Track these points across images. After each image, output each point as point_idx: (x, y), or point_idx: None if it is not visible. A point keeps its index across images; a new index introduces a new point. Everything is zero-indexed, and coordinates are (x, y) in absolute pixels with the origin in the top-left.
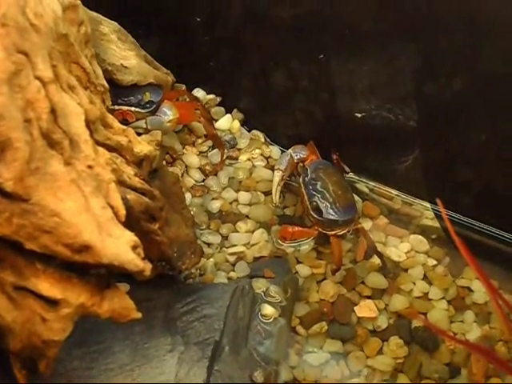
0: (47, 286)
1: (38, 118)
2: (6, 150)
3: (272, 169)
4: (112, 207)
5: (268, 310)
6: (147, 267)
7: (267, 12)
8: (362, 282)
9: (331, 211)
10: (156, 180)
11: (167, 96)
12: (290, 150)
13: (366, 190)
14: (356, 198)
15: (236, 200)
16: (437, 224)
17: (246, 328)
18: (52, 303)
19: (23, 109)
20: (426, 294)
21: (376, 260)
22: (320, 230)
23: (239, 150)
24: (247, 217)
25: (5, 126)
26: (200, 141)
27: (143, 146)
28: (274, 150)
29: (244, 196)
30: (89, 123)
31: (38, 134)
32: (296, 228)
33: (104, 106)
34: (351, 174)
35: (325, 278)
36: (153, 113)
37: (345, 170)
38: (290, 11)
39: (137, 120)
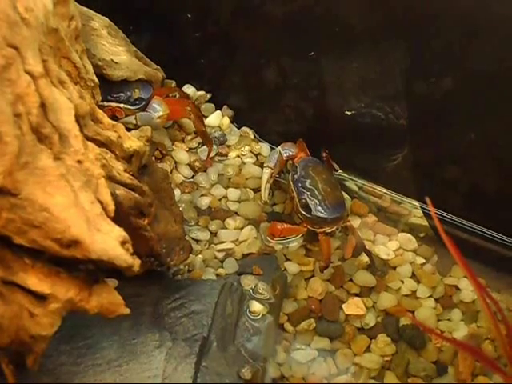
0: (35, 281)
1: (27, 112)
2: None
3: (261, 166)
4: (101, 202)
5: (256, 306)
6: (136, 263)
7: (258, 9)
8: (351, 280)
9: (320, 209)
10: (145, 176)
11: (157, 92)
12: (279, 147)
13: (355, 187)
14: (345, 195)
15: (225, 196)
16: (425, 222)
17: (234, 324)
18: (40, 298)
19: (13, 103)
20: (414, 292)
21: (364, 258)
22: (309, 227)
23: (229, 146)
24: (236, 213)
25: None
26: (189, 137)
27: (133, 142)
28: (264, 147)
29: (233, 193)
30: (78, 118)
31: (28, 128)
32: (285, 225)
33: (94, 101)
34: (340, 172)
35: (313, 276)
36: (142, 109)
37: (334, 167)
38: (281, 8)
39: (126, 116)
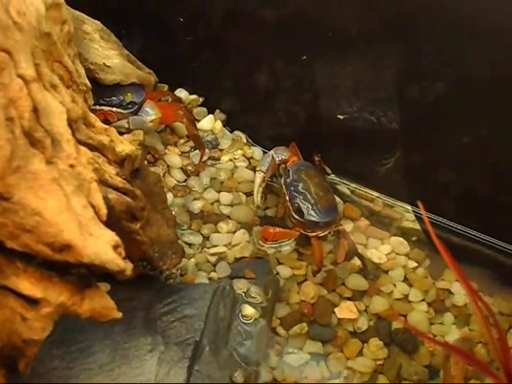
0: (28, 285)
1: (19, 116)
2: None
3: (254, 170)
4: (93, 206)
5: (248, 310)
6: (128, 267)
7: (250, 13)
8: (343, 284)
9: (312, 212)
10: (138, 180)
11: (150, 96)
12: (271, 151)
13: (347, 191)
14: (337, 199)
15: (217, 200)
16: (417, 226)
17: (226, 328)
18: (32, 302)
19: (5, 107)
20: (406, 295)
21: (357, 262)
22: (301, 231)
23: (221, 150)
24: (228, 217)
25: None
26: (182, 141)
27: (125, 146)
28: (256, 151)
29: (225, 196)
30: (71, 122)
31: (20, 132)
32: (277, 229)
33: (86, 105)
34: (333, 176)
35: (305, 279)
36: (135, 113)
37: (326, 171)
38: (274, 12)
39: (118, 120)
